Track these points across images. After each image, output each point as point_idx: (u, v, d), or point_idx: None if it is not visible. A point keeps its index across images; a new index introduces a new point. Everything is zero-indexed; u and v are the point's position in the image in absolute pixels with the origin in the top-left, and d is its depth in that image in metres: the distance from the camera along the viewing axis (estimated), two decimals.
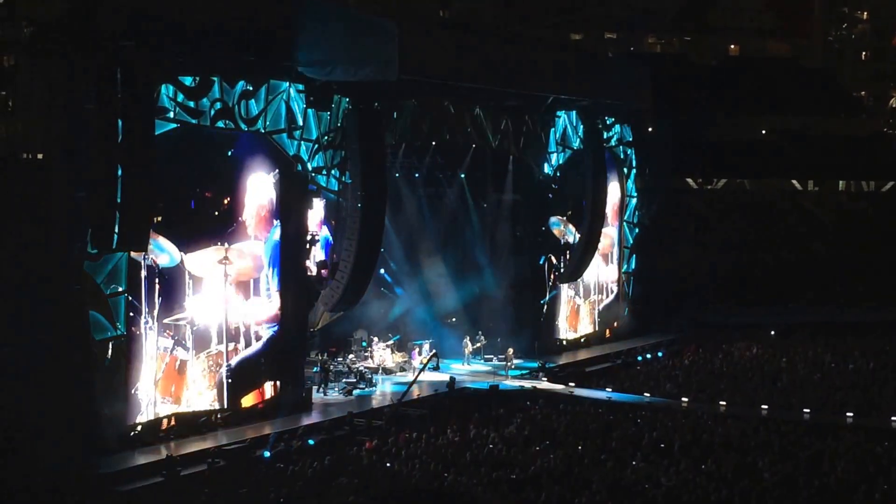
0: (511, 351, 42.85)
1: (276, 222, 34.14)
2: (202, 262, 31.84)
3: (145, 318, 30.14)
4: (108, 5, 28.43)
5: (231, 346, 32.84)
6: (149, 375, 30.34)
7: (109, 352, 29.24)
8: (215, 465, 28.97)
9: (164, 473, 28.01)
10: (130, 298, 29.62)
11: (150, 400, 30.41)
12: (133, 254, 29.34)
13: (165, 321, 30.77)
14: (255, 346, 33.70)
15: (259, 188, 33.56)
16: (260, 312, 33.85)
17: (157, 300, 30.46)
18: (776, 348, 47.98)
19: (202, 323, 31.86)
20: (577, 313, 49.07)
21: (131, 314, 29.67)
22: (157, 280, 30.39)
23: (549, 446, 30.81)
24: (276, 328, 34.28)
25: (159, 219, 29.79)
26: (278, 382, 34.36)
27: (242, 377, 33.25)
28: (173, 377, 31.27)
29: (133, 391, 29.86)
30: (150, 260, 30.05)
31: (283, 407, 34.13)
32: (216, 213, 32.35)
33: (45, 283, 28.19)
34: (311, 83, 33.96)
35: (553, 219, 47.21)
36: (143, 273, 30.00)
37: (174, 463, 28.45)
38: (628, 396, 38.79)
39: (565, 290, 48.17)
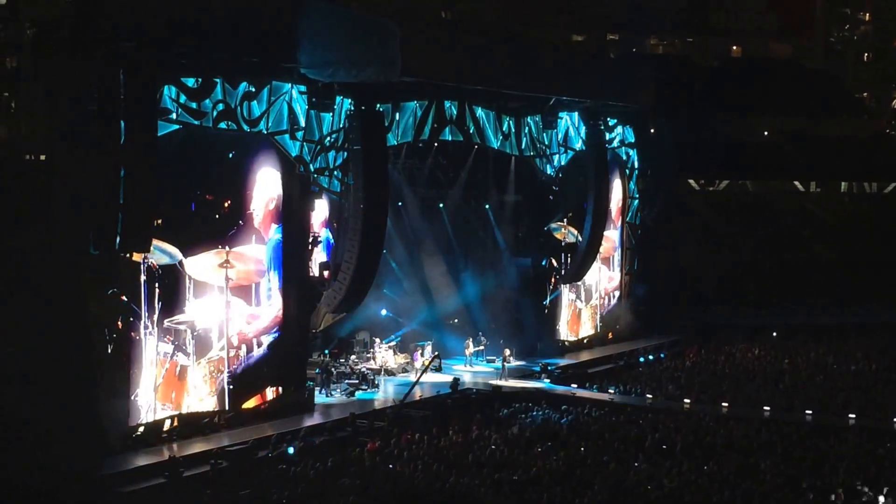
0: (508, 352, 42.76)
1: (278, 225, 34.09)
2: (202, 265, 31.80)
3: (145, 322, 30.07)
4: (111, 6, 28.39)
5: (232, 353, 32.83)
6: (148, 381, 30.27)
7: (110, 352, 29.19)
8: (218, 466, 28.95)
9: (166, 474, 28.00)
10: (132, 305, 29.54)
11: (150, 406, 30.35)
12: (134, 256, 29.31)
13: (166, 322, 30.69)
14: (257, 352, 33.66)
15: (269, 182, 33.58)
16: (260, 323, 33.78)
17: (156, 305, 30.37)
18: (778, 349, 47.97)
19: (203, 327, 31.83)
20: (578, 317, 49.00)
21: (131, 319, 29.62)
22: (156, 284, 30.29)
23: (551, 448, 30.81)
24: (277, 333, 34.22)
25: (159, 222, 29.71)
26: (280, 388, 34.35)
27: (244, 383, 33.20)
28: (173, 383, 31.17)
29: (133, 396, 29.82)
30: (149, 263, 29.97)
31: (286, 408, 34.11)
32: (217, 217, 32.32)
33: (46, 284, 28.18)
34: (313, 84, 33.93)
35: (553, 225, 47.14)
36: (143, 277, 29.92)
37: (177, 464, 28.43)
38: (630, 398, 38.78)
39: (566, 294, 48.13)
